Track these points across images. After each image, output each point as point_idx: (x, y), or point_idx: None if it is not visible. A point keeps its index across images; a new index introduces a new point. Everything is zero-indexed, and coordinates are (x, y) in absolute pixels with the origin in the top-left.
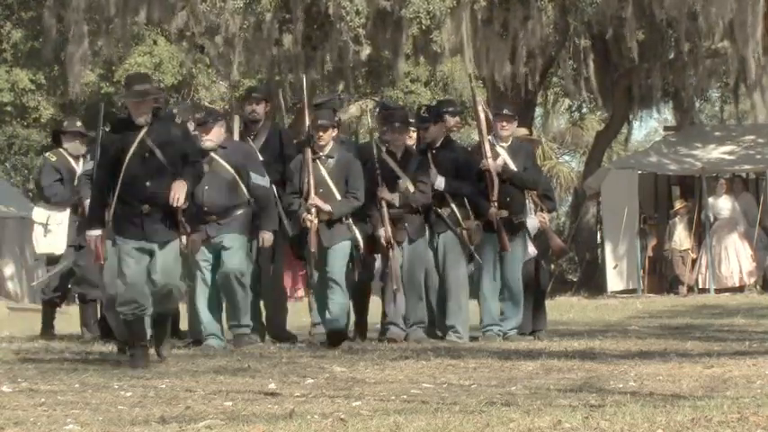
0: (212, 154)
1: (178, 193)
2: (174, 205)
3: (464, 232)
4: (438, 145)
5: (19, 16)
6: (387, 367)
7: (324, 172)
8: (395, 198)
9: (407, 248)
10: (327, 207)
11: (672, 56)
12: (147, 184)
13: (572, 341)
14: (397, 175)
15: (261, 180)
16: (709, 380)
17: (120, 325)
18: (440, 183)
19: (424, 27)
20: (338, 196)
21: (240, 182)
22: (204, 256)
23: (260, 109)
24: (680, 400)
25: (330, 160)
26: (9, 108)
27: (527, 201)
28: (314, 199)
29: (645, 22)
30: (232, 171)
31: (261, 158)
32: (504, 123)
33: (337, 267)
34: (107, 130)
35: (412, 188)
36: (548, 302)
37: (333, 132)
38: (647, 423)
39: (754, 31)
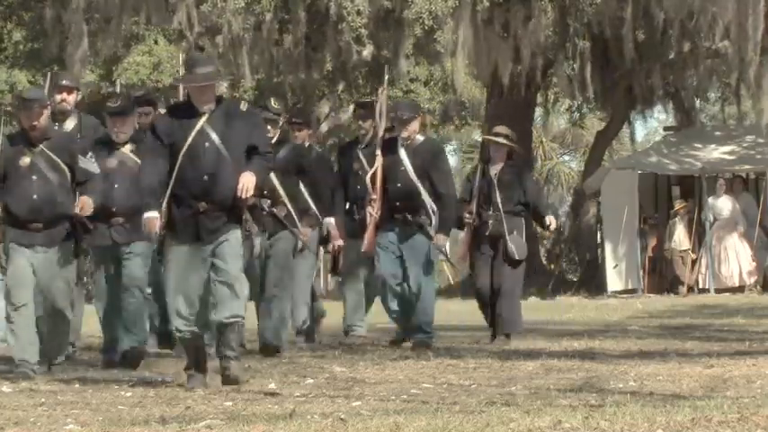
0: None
1: (247, 183)
2: (242, 197)
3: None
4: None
5: (19, 16)
6: (387, 367)
7: None
8: None
9: None
10: None
11: (672, 56)
12: (205, 178)
13: (572, 341)
14: None
15: (90, 165)
16: (709, 380)
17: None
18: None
19: (426, 27)
20: None
21: None
22: None
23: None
24: (680, 400)
25: None
26: (8, 109)
27: (425, 202)
28: None
29: (645, 22)
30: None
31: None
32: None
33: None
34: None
35: None
36: (548, 302)
37: None
38: (647, 423)
39: (754, 32)
